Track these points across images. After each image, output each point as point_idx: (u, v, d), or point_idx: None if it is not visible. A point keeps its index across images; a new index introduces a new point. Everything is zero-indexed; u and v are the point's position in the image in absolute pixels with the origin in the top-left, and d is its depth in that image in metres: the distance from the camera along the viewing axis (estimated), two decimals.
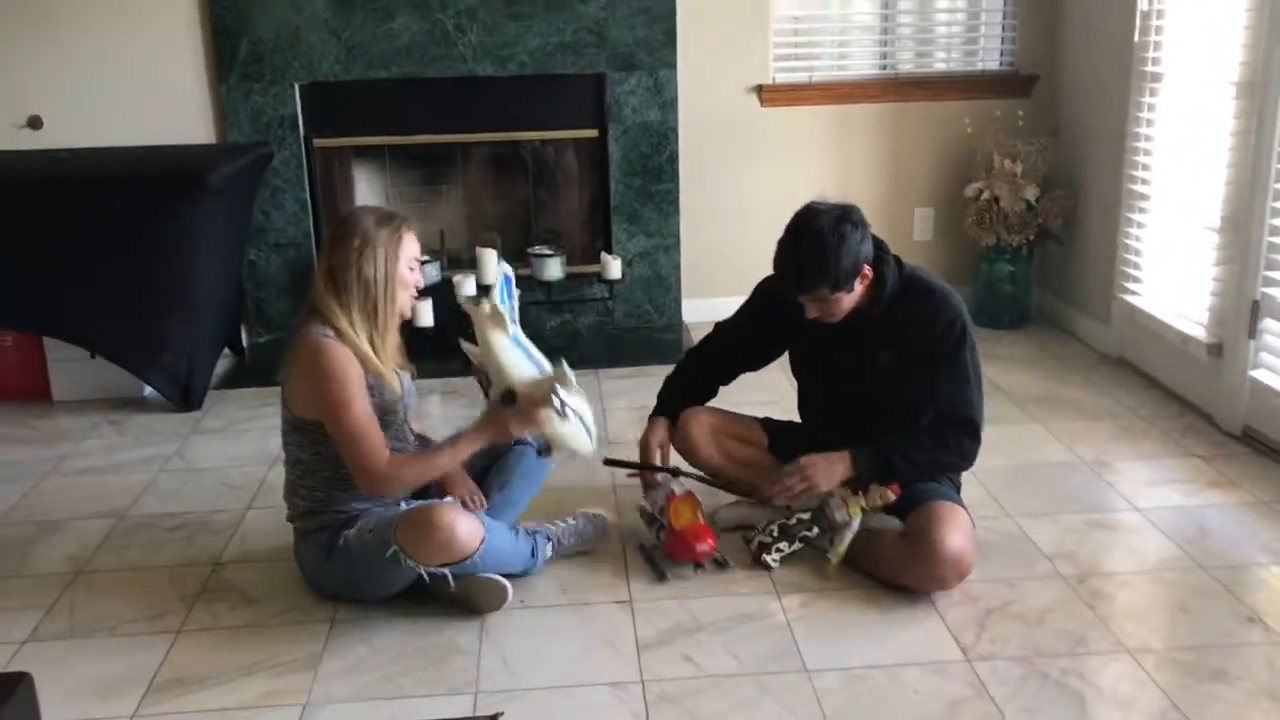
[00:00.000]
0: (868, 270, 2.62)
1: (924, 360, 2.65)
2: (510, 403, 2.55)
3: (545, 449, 2.79)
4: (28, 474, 3.46)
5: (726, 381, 3.05)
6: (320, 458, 2.55)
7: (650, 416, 2.99)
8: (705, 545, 2.71)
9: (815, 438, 2.93)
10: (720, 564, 2.76)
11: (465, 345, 2.70)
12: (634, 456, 2.96)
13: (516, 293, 2.68)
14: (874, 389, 2.74)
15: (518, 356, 2.58)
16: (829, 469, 2.68)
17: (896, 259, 2.71)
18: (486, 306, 2.57)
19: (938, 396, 2.66)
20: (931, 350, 2.64)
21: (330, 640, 2.50)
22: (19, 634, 2.56)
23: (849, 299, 2.63)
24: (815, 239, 2.54)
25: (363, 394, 2.47)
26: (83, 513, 3.18)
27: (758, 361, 3.03)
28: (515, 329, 2.59)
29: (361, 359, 2.50)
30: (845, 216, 2.57)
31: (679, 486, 2.82)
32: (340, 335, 2.48)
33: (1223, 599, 2.59)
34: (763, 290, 2.91)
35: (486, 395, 2.70)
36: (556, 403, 2.49)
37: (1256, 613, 2.52)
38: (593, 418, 2.62)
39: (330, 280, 2.50)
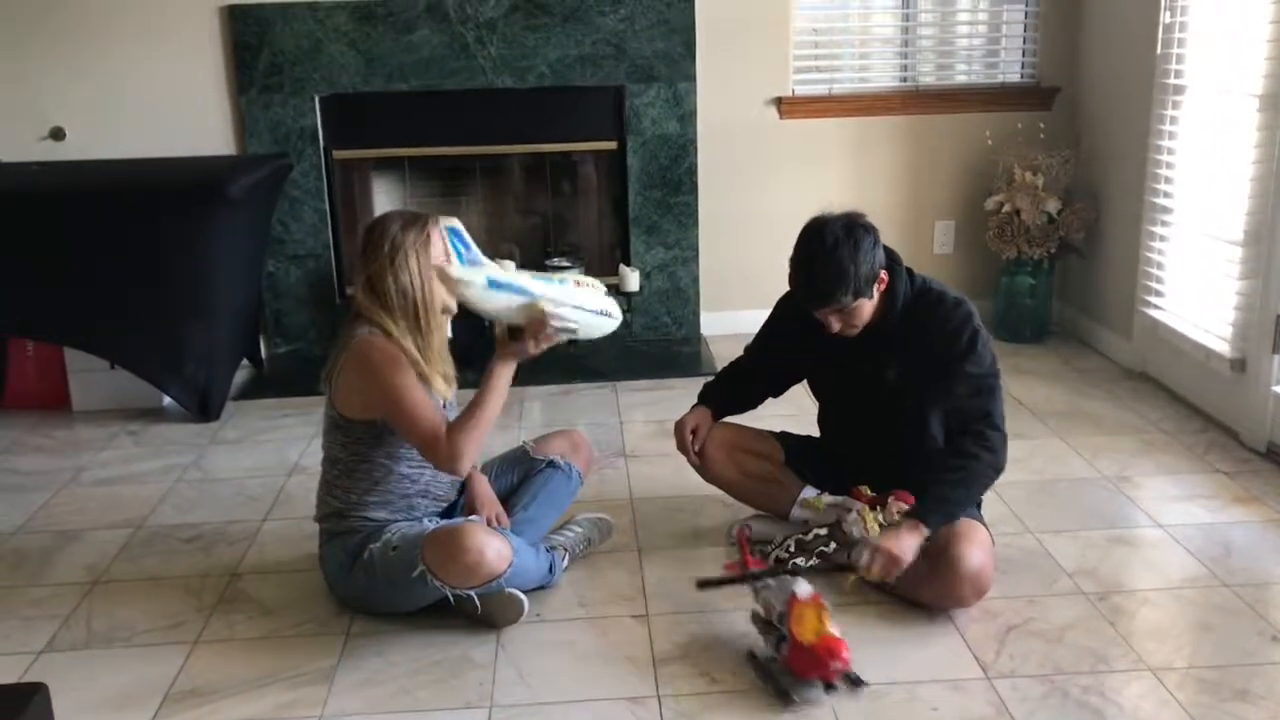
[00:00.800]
0: (884, 276, 2.61)
1: (941, 374, 2.62)
2: (518, 336, 2.54)
3: (570, 343, 2.69)
4: (47, 484, 3.47)
5: (752, 403, 3.04)
6: (357, 457, 2.56)
7: (693, 407, 2.98)
8: (839, 662, 2.25)
9: (833, 453, 2.92)
10: (854, 681, 2.32)
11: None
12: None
13: (469, 241, 2.58)
14: (889, 401, 2.72)
15: (497, 296, 2.49)
16: (901, 544, 2.45)
17: (908, 270, 2.70)
18: (448, 270, 2.51)
19: (966, 411, 2.62)
20: (947, 362, 2.61)
21: (346, 652, 2.50)
22: (36, 644, 2.57)
23: (869, 306, 2.61)
24: (829, 248, 2.53)
25: (414, 379, 2.48)
26: (100, 523, 3.19)
27: (778, 385, 3.02)
28: (484, 271, 2.49)
29: (410, 362, 2.51)
30: (855, 222, 2.57)
31: (801, 587, 2.36)
32: (389, 337, 2.50)
33: (1246, 617, 2.56)
34: (778, 309, 2.91)
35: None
36: (553, 323, 2.46)
37: None
38: (603, 292, 2.58)
39: (370, 290, 2.51)
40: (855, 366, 2.74)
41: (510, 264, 2.53)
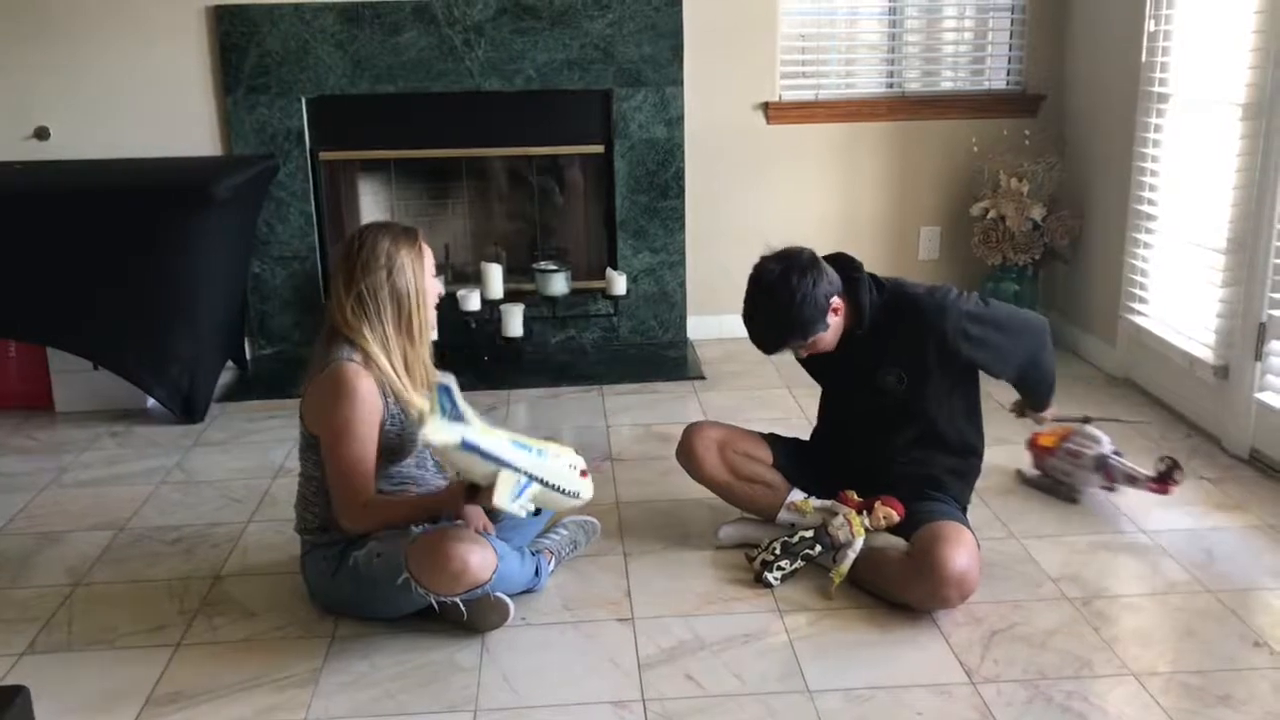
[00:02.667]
0: (837, 303, 2.65)
1: (976, 358, 2.70)
2: (475, 491, 2.47)
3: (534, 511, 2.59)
4: (28, 485, 3.45)
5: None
6: None
7: None
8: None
9: (822, 457, 2.93)
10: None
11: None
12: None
13: (459, 400, 2.43)
14: (897, 407, 2.74)
15: (467, 458, 2.39)
16: None
17: (872, 276, 2.73)
18: (426, 429, 2.37)
19: (1013, 362, 2.77)
20: (973, 348, 2.67)
21: (330, 656, 2.48)
22: (17, 646, 2.55)
23: (829, 335, 2.68)
24: (768, 299, 2.62)
25: (370, 430, 2.46)
26: (83, 525, 3.17)
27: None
28: (462, 431, 2.37)
29: (389, 386, 2.49)
30: (791, 267, 2.61)
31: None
32: (368, 360, 2.47)
33: (1229, 623, 2.57)
34: None
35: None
36: (510, 507, 2.38)
37: (1263, 637, 2.50)
38: (579, 469, 2.52)
39: (359, 303, 2.48)
40: (854, 382, 2.79)
41: (501, 433, 2.44)
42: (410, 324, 2.52)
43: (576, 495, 2.52)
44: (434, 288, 2.59)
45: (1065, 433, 3.22)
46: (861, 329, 2.70)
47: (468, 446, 2.35)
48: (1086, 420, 3.25)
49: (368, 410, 2.45)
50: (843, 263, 2.72)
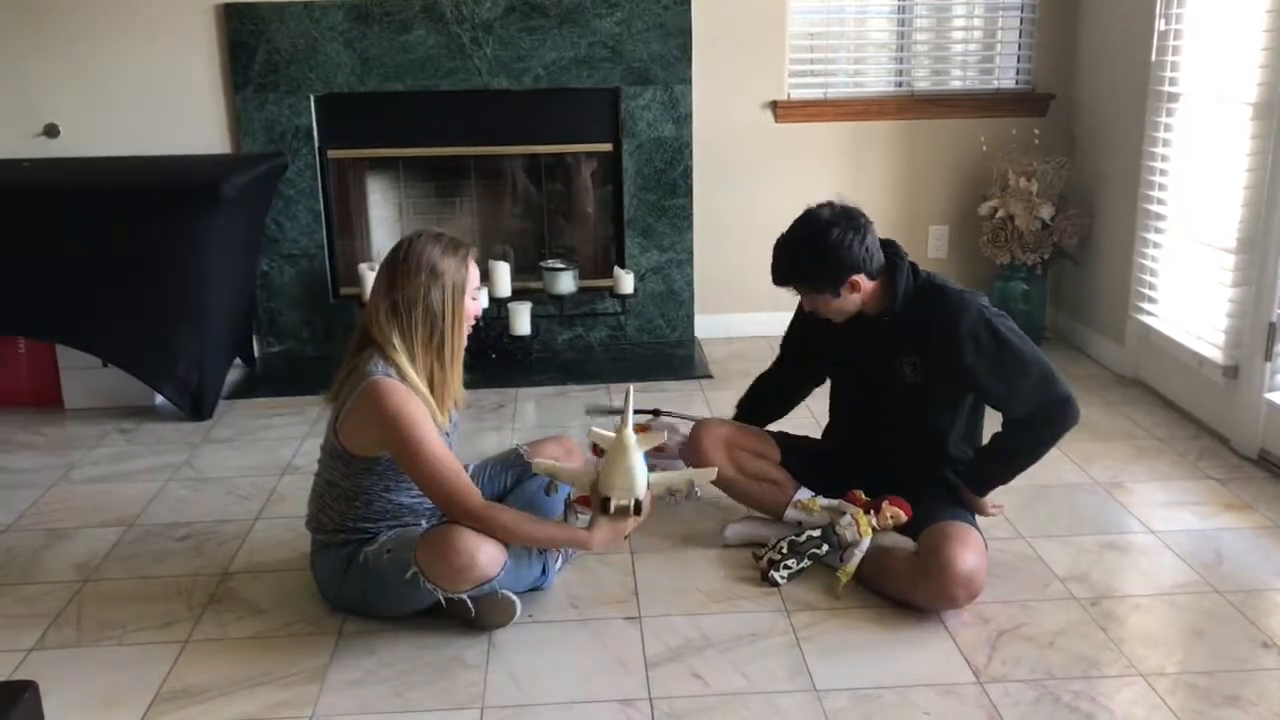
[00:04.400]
0: (859, 280, 2.62)
1: (974, 373, 2.62)
2: (636, 512, 2.51)
3: (551, 486, 2.70)
4: (38, 482, 3.46)
5: (788, 400, 3.13)
6: (359, 488, 2.51)
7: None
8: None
9: (831, 454, 2.93)
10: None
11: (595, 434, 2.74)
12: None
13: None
14: (903, 399, 2.72)
15: (644, 470, 2.51)
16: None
17: (913, 265, 2.71)
18: (627, 427, 2.48)
19: (1013, 404, 2.66)
20: (976, 361, 2.60)
21: (337, 652, 2.49)
22: (26, 642, 2.56)
23: (837, 303, 2.66)
24: (801, 233, 2.64)
25: (433, 432, 2.41)
26: (91, 521, 3.18)
27: (805, 381, 3.10)
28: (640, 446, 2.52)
29: (425, 403, 2.44)
30: (840, 221, 2.61)
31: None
32: (401, 374, 2.42)
33: (1238, 623, 2.56)
34: (798, 309, 2.94)
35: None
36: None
37: (1271, 638, 2.50)
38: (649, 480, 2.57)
39: (393, 314, 2.43)
40: (868, 363, 2.76)
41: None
42: (442, 344, 2.45)
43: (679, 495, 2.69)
44: (473, 309, 2.51)
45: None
46: (891, 314, 2.67)
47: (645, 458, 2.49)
48: (657, 414, 3.38)
49: (420, 415, 2.39)
50: (889, 246, 2.70)
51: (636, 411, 3.06)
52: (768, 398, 3.11)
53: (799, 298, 2.77)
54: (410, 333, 2.43)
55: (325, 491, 2.57)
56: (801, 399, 3.14)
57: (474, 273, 2.51)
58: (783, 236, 2.68)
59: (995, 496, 2.77)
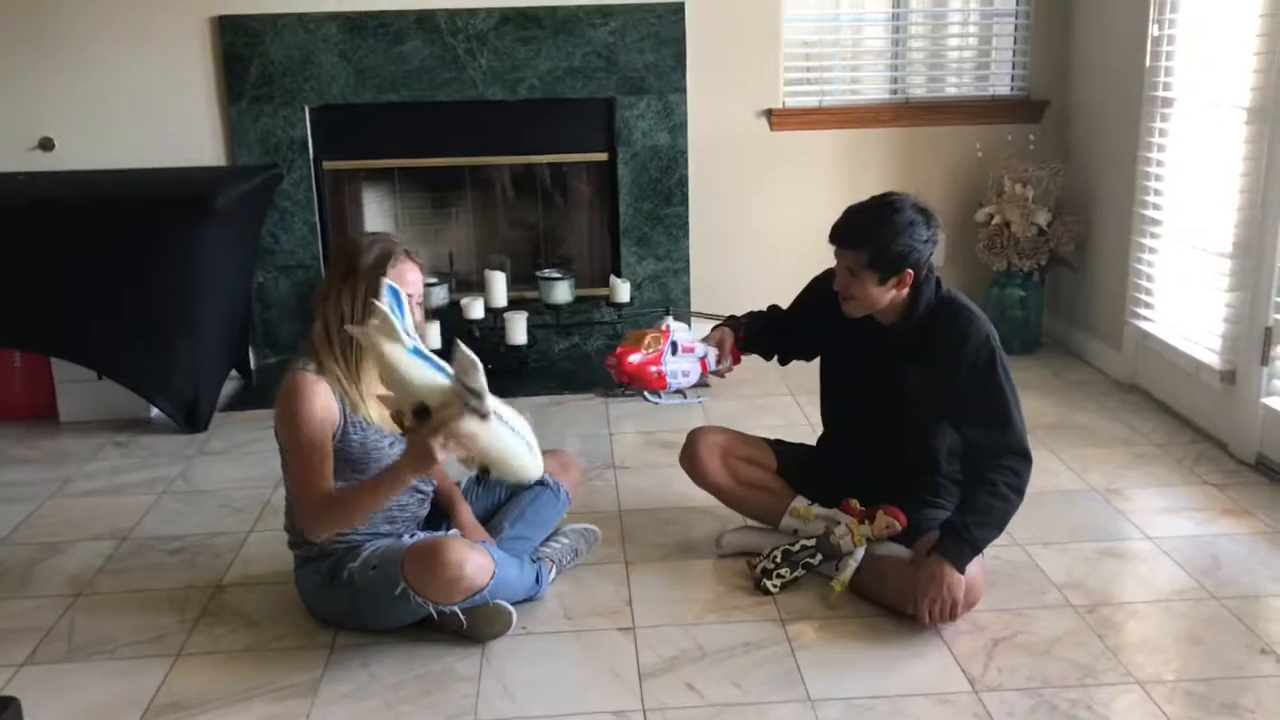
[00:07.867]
0: (908, 278, 2.59)
1: (957, 391, 2.59)
2: (425, 418, 2.22)
3: (483, 472, 2.33)
4: (32, 495, 3.45)
5: (776, 347, 3.00)
6: None
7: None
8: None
9: (826, 462, 2.92)
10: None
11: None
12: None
13: (406, 307, 2.26)
14: (902, 405, 2.71)
15: (420, 365, 2.20)
16: (951, 583, 2.49)
17: (937, 280, 2.70)
18: (375, 319, 2.19)
19: (982, 437, 2.60)
20: (966, 380, 2.58)
21: (330, 665, 2.48)
22: (17, 656, 2.55)
23: (875, 291, 2.60)
24: (882, 208, 2.60)
25: (322, 435, 2.39)
26: (85, 534, 3.17)
27: (803, 343, 2.96)
28: (414, 340, 2.21)
29: (345, 396, 2.44)
30: (919, 212, 2.60)
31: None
32: (323, 370, 2.43)
33: (1235, 630, 2.55)
34: (814, 282, 2.90)
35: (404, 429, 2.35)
36: (471, 401, 2.14)
37: (1269, 644, 2.48)
38: (529, 429, 2.37)
39: (321, 306, 2.46)
40: (871, 369, 2.73)
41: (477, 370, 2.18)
42: (347, 350, 2.43)
43: (532, 449, 2.35)
44: (415, 313, 2.38)
45: (651, 336, 2.92)
46: (910, 322, 2.65)
47: (418, 353, 2.18)
48: (667, 312, 3.25)
49: (316, 415, 2.39)
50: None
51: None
52: (781, 327, 2.98)
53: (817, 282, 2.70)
54: (330, 332, 2.44)
55: (290, 504, 2.57)
56: (788, 358, 3.03)
57: (405, 274, 2.43)
58: (861, 202, 2.66)
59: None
